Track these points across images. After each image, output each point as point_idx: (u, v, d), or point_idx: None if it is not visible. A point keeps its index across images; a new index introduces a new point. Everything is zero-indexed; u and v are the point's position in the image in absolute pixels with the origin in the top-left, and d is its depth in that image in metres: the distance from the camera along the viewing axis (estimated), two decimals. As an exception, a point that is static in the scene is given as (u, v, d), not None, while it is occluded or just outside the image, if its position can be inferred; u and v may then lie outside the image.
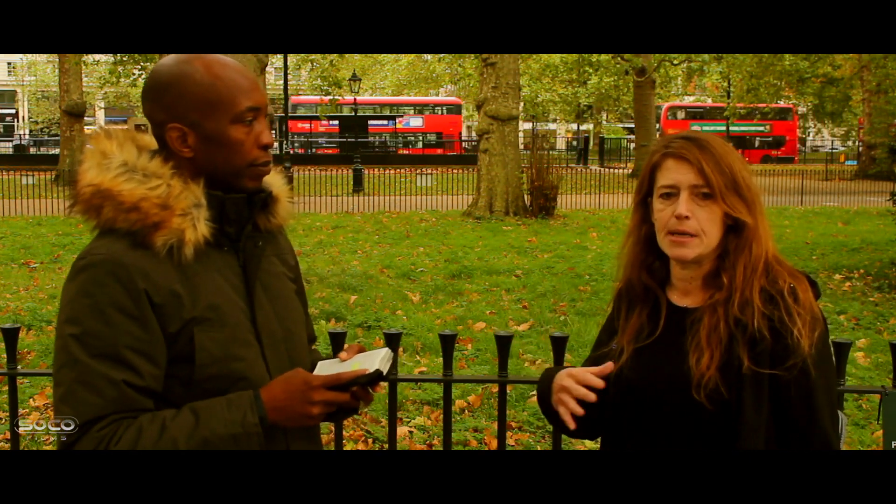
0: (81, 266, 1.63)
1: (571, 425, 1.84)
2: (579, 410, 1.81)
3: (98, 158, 1.69)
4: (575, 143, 54.04)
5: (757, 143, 51.78)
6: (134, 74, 26.45)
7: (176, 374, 1.65)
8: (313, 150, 45.94)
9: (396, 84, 53.53)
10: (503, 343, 2.71)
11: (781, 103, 48.33)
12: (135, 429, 1.58)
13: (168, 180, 1.67)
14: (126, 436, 1.57)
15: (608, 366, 1.87)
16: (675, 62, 37.12)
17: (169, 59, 1.72)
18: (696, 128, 50.72)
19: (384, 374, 1.70)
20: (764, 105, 42.71)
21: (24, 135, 57.44)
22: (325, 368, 1.78)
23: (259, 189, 1.78)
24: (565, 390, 1.85)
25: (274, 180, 1.86)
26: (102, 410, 1.58)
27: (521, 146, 22.53)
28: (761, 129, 51.67)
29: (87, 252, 1.65)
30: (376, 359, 1.72)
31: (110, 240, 1.64)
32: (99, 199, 1.65)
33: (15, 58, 66.79)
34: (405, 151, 49.60)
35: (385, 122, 51.27)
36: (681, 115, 51.01)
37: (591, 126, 59.05)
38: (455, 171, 28.55)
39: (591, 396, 1.81)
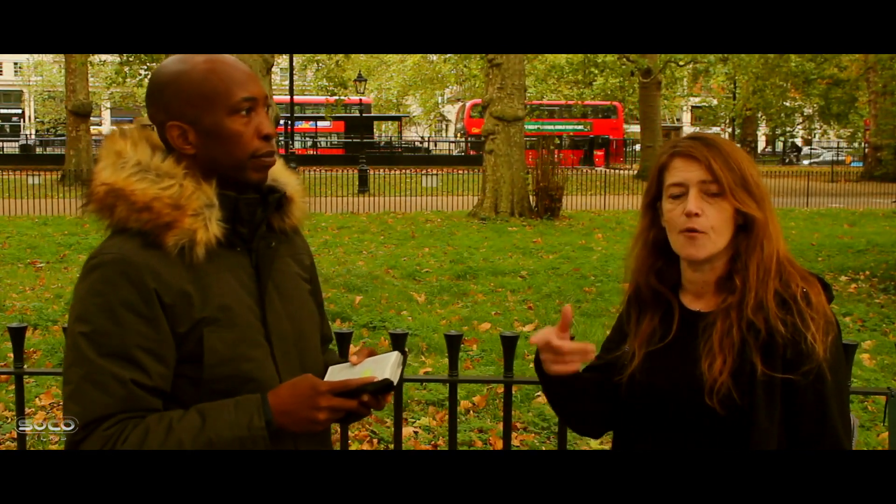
0: (93, 265, 1.63)
1: (575, 367, 1.83)
2: (563, 349, 1.80)
3: (113, 158, 1.69)
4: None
5: (567, 143, 44.24)
6: (140, 74, 26.44)
7: (185, 375, 1.65)
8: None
9: (402, 84, 53.52)
10: (508, 344, 2.71)
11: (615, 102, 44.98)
12: (142, 429, 1.59)
13: (181, 180, 1.67)
14: (133, 436, 1.58)
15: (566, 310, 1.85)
16: (681, 63, 37.03)
17: (166, 61, 1.74)
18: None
19: (394, 383, 1.68)
20: (583, 102, 41.41)
21: (31, 135, 57.53)
22: (335, 374, 1.77)
23: (266, 182, 1.78)
24: (546, 350, 1.83)
25: (289, 180, 1.86)
26: (110, 409, 1.58)
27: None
28: (580, 127, 47.25)
29: (98, 251, 1.65)
30: (387, 365, 1.69)
31: (122, 239, 1.64)
32: (112, 199, 1.66)
33: (21, 58, 66.99)
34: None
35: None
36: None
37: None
38: (460, 171, 28.54)
39: (558, 341, 1.80)
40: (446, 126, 75.25)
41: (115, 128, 1.75)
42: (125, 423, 1.59)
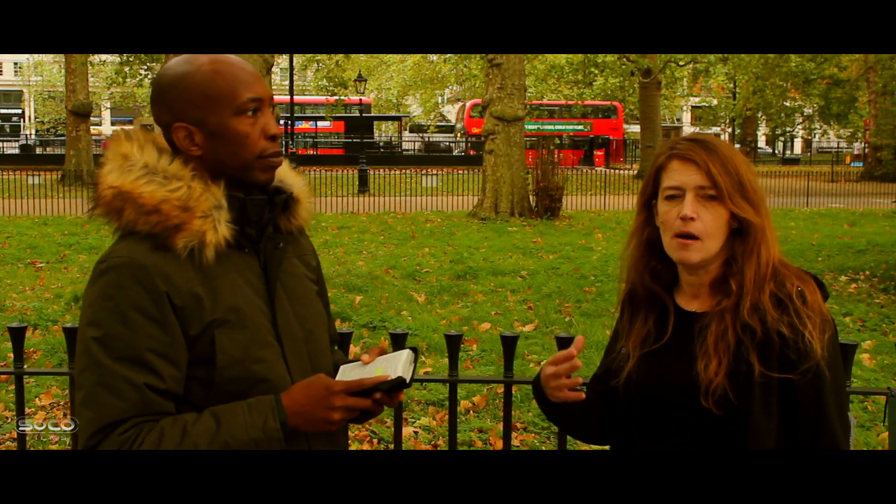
0: (103, 269, 1.63)
1: (582, 395, 1.88)
2: (574, 383, 1.87)
3: (119, 161, 1.69)
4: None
5: (567, 143, 43.79)
6: (140, 75, 26.45)
7: (197, 377, 1.65)
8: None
9: (402, 84, 53.49)
10: (508, 344, 2.71)
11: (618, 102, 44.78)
12: (156, 433, 1.58)
13: (189, 182, 1.66)
14: (148, 440, 1.57)
15: (578, 341, 1.89)
16: (681, 63, 36.98)
17: (171, 62, 1.74)
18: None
19: (407, 380, 1.68)
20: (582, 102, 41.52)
21: (31, 135, 57.50)
22: (346, 373, 1.77)
23: (272, 183, 1.78)
24: (553, 377, 1.89)
25: (295, 181, 1.86)
26: (124, 413, 1.58)
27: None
28: (580, 127, 47.29)
29: (108, 255, 1.65)
30: (399, 363, 1.70)
31: (131, 242, 1.64)
32: (120, 202, 1.65)
33: (21, 58, 66.96)
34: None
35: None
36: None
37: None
38: (460, 171, 28.54)
39: (578, 364, 1.87)
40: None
41: (120, 130, 1.75)
42: (140, 427, 1.59)
